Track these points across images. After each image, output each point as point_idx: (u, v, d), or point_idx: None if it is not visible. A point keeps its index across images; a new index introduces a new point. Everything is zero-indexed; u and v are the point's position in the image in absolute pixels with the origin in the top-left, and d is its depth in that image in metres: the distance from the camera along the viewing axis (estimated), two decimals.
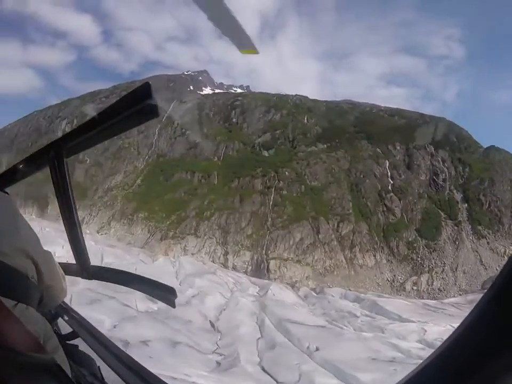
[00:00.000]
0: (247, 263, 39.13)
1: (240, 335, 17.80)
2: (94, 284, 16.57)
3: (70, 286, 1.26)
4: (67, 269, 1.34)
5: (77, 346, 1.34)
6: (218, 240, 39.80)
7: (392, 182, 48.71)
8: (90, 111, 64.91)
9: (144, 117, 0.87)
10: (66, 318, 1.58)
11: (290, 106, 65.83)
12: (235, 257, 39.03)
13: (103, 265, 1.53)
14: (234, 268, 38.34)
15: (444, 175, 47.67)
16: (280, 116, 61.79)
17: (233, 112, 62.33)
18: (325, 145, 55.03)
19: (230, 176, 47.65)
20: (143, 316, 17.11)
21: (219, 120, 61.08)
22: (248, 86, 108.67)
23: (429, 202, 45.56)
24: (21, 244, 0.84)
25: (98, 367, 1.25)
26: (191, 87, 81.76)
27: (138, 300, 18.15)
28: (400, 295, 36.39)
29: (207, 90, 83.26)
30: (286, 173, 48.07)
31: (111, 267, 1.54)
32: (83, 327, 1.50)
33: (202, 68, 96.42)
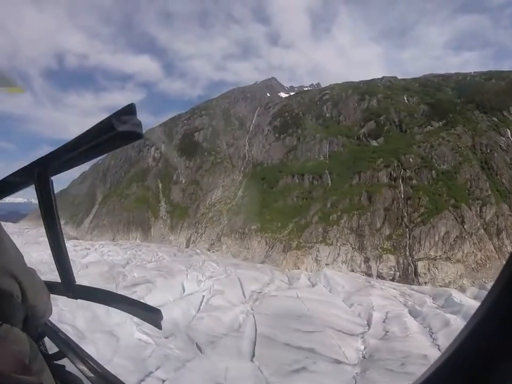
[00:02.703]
0: (393, 269, 32.33)
1: None
2: None
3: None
4: (52, 287, 1.30)
5: (63, 366, 1.26)
6: (354, 246, 33.55)
7: None
8: (180, 131, 65.05)
9: (129, 138, 0.82)
10: (52, 337, 1.48)
11: (382, 89, 58.97)
12: (378, 263, 32.42)
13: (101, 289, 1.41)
14: (379, 276, 31.75)
15: None
16: (376, 101, 55.01)
17: (325, 107, 56.78)
18: (441, 123, 47.00)
19: (346, 173, 41.49)
20: (370, 370, 11.50)
21: (311, 118, 55.77)
22: (318, 83, 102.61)
23: None
24: (3, 262, 0.80)
25: None
26: (268, 94, 78.60)
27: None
28: None
29: (282, 95, 79.30)
30: (410, 159, 40.68)
31: (97, 287, 1.44)
32: (69, 347, 1.42)
33: (265, 77, 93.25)
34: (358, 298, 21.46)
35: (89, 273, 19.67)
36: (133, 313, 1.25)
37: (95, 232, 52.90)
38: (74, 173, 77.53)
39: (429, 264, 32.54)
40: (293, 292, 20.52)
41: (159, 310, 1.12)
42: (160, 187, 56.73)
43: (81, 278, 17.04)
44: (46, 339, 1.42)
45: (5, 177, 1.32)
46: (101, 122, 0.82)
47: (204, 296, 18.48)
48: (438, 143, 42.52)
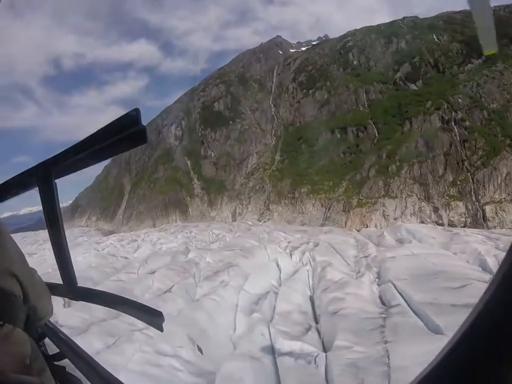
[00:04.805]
0: (463, 215, 30.90)
1: None
2: None
3: None
4: (53, 288, 1.30)
5: (64, 367, 1.26)
6: (419, 196, 31.90)
7: None
8: (198, 105, 61.99)
9: (133, 142, 0.84)
10: (52, 338, 1.47)
11: (407, 30, 54.86)
12: (447, 211, 30.95)
13: (90, 287, 1.38)
14: (451, 224, 30.41)
15: None
16: (405, 43, 51.39)
17: (350, 54, 53.01)
18: (480, 60, 43.80)
19: (393, 120, 39.07)
20: None
21: (338, 68, 52.24)
22: (326, 35, 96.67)
23: None
24: (5, 262, 0.80)
25: None
26: (280, 51, 74.03)
27: None
28: None
29: (297, 51, 74.67)
30: (459, 100, 38.08)
31: (99, 289, 1.45)
32: (70, 348, 1.41)
33: (267, 39, 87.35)
34: (457, 247, 19.83)
35: (152, 269, 16.55)
36: (134, 315, 1.21)
37: (134, 222, 51.68)
38: (97, 168, 76.27)
39: (495, 208, 31.28)
40: (404, 250, 18.77)
41: (161, 312, 1.09)
42: (189, 164, 54.68)
43: (149, 278, 14.47)
44: (47, 340, 1.40)
45: (8, 180, 1.30)
46: (106, 126, 0.82)
47: (308, 271, 16.29)
48: (484, 81, 39.89)
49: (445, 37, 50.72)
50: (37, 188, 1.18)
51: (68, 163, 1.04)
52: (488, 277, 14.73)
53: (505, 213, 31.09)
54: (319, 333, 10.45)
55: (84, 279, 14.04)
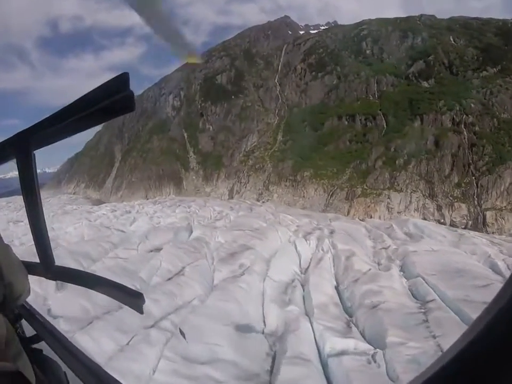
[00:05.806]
0: (465, 217, 30.67)
1: None
2: None
3: None
4: (30, 267, 1.23)
5: (41, 350, 1.22)
6: (424, 193, 31.41)
7: None
8: (199, 76, 59.49)
9: (120, 109, 0.78)
10: (29, 320, 1.41)
11: (424, 28, 53.76)
12: (450, 211, 30.60)
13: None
14: (452, 224, 30.26)
15: None
16: (421, 40, 50.33)
17: (364, 43, 51.58)
18: (495, 69, 43.30)
19: (403, 114, 38.17)
20: None
21: (350, 55, 50.74)
22: (335, 21, 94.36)
23: None
24: None
25: (64, 372, 1.18)
26: (289, 32, 71.60)
27: None
28: None
29: (309, 32, 72.31)
30: (471, 105, 37.55)
31: (94, 268, 1.63)
32: (47, 330, 1.35)
33: (273, 18, 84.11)
34: (466, 247, 19.29)
35: (155, 246, 14.55)
36: (113, 296, 1.17)
37: (124, 191, 49.29)
38: (88, 134, 72.58)
39: (496, 214, 31.44)
40: (422, 245, 17.89)
41: (141, 294, 1.04)
42: (186, 137, 52.49)
43: (154, 257, 12.42)
44: (24, 322, 1.35)
45: None
46: (91, 92, 0.76)
47: (329, 259, 14.80)
48: (497, 90, 39.45)
49: (462, 41, 50.03)
50: (15, 160, 1.08)
51: (48, 132, 0.94)
52: (500, 278, 14.04)
53: (505, 220, 31.39)
54: (356, 327, 9.40)
55: (79, 254, 12.44)
